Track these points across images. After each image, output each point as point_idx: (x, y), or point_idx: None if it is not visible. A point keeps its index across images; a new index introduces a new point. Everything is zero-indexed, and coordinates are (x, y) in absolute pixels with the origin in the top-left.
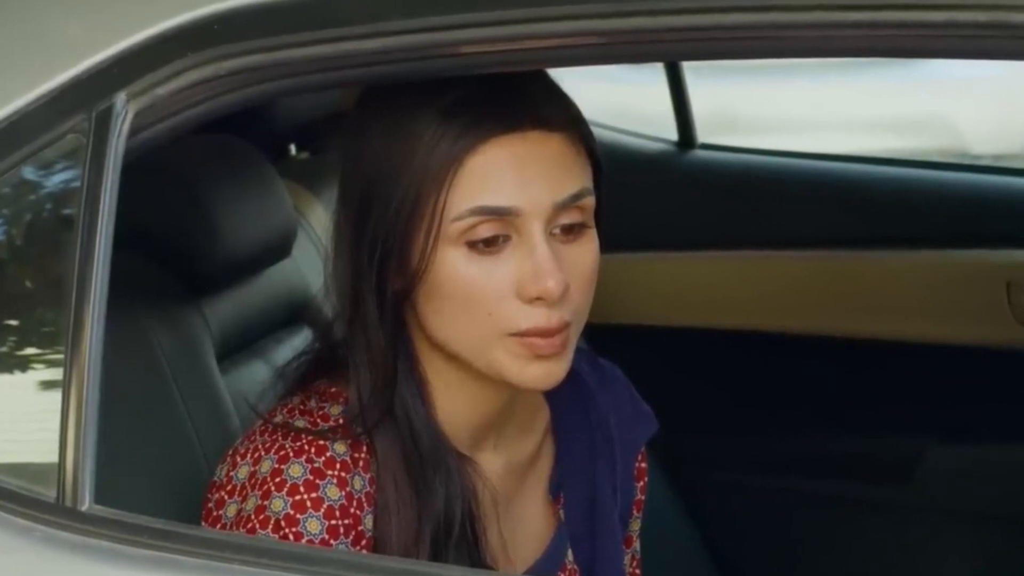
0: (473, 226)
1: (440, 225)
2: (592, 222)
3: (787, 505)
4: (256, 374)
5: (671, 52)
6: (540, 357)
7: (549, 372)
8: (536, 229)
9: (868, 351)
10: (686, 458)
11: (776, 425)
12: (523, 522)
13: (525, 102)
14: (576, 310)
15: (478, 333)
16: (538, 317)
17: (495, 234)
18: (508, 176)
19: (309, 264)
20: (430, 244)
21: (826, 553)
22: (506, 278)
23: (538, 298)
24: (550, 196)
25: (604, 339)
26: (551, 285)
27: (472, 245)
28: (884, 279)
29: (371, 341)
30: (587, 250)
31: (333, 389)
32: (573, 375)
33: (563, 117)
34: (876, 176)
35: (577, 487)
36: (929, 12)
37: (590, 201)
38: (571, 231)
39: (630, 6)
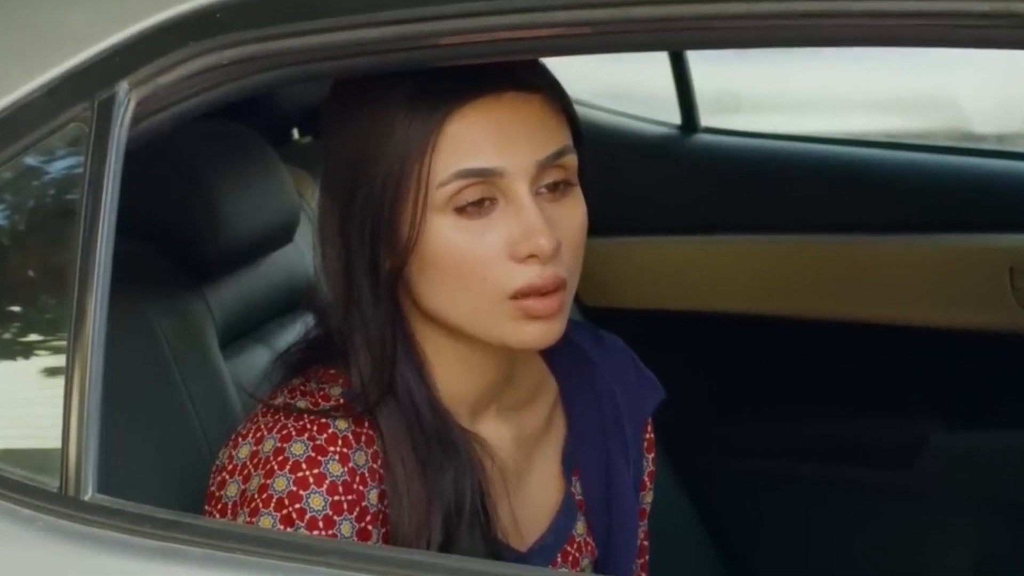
0: (459, 190)
1: (427, 194)
2: (576, 181)
3: (789, 489)
4: (259, 359)
5: (668, 42)
6: (537, 318)
7: (546, 331)
8: (522, 189)
9: (871, 336)
10: (687, 441)
11: (778, 409)
12: (534, 496)
13: (498, 65)
14: (568, 268)
15: (474, 300)
16: (532, 274)
17: (481, 197)
18: (488, 138)
19: (311, 249)
20: (419, 215)
21: (828, 537)
22: (497, 241)
23: (531, 256)
24: (532, 155)
25: (606, 322)
26: (543, 242)
27: (460, 211)
28: (887, 264)
29: (368, 322)
30: (574, 208)
31: (332, 371)
32: (575, 347)
33: (537, 78)
34: (879, 160)
35: (592, 459)
36: (933, 1)
37: (572, 160)
38: (556, 190)
39: None
